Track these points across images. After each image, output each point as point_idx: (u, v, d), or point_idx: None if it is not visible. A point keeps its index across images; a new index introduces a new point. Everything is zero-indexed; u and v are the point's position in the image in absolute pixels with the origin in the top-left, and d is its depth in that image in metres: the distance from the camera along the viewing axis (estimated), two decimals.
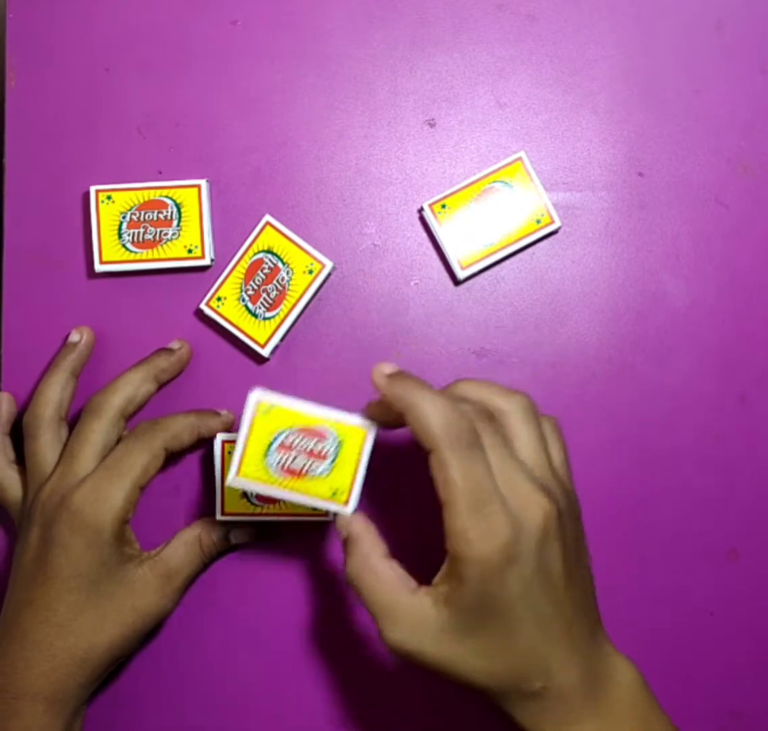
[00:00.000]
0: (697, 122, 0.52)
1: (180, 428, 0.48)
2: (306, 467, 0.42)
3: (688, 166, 0.52)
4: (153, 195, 0.50)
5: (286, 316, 0.49)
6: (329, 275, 0.50)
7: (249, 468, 0.42)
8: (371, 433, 0.42)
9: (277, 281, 0.49)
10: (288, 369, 0.52)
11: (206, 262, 0.51)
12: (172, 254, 0.50)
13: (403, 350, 0.52)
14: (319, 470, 0.42)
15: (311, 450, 0.42)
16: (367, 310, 0.52)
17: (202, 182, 0.51)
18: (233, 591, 0.52)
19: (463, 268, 0.50)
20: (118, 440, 0.48)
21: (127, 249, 0.50)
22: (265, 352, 0.50)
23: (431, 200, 0.50)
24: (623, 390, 0.52)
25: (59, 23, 0.53)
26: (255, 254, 0.50)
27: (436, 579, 0.40)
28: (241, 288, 0.50)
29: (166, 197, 0.50)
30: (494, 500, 0.38)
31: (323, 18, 0.53)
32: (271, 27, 0.53)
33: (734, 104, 0.52)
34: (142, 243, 0.50)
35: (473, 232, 0.50)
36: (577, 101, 0.52)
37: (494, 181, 0.50)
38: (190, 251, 0.50)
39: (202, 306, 0.50)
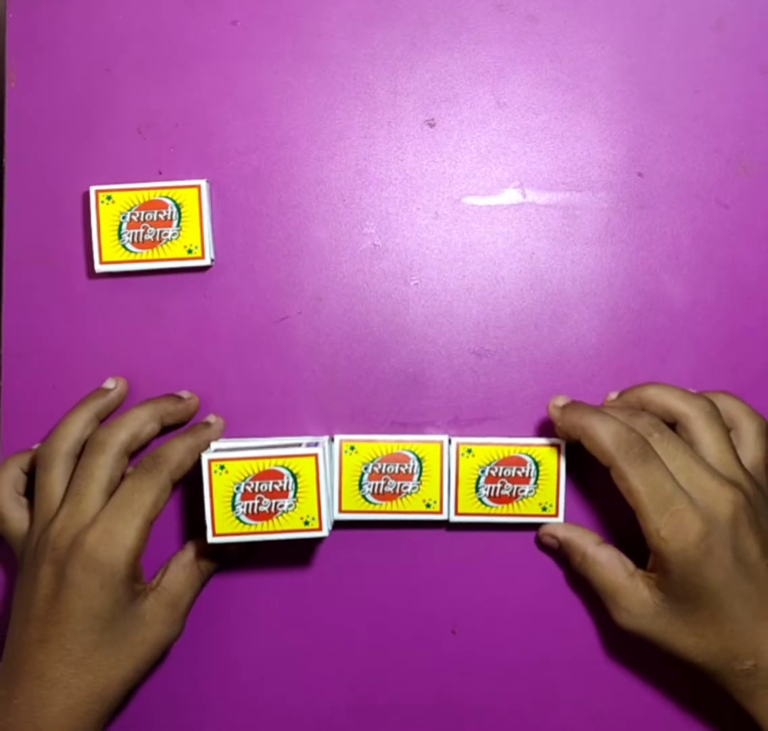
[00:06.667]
0: (697, 122, 0.52)
1: (182, 456, 0.47)
2: (273, 508, 0.45)
3: (688, 166, 0.52)
4: (153, 195, 0.50)
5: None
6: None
7: (222, 525, 0.45)
8: (322, 455, 0.45)
9: None
10: (288, 369, 0.52)
11: (206, 262, 0.51)
12: (172, 254, 0.50)
13: (403, 350, 0.52)
14: (286, 506, 0.45)
15: (272, 491, 0.45)
16: (367, 310, 0.52)
17: (202, 182, 0.51)
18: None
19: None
20: (122, 476, 0.47)
21: (127, 249, 0.50)
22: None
23: None
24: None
25: (59, 23, 0.53)
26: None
27: (649, 566, 0.45)
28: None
29: (166, 197, 0.50)
30: (678, 499, 0.42)
31: (323, 18, 0.53)
32: (271, 27, 0.53)
33: (734, 104, 0.52)
34: (142, 243, 0.50)
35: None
36: (576, 101, 0.52)
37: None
38: (190, 251, 0.50)
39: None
